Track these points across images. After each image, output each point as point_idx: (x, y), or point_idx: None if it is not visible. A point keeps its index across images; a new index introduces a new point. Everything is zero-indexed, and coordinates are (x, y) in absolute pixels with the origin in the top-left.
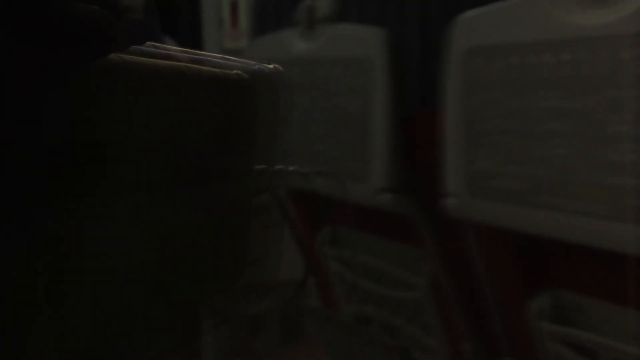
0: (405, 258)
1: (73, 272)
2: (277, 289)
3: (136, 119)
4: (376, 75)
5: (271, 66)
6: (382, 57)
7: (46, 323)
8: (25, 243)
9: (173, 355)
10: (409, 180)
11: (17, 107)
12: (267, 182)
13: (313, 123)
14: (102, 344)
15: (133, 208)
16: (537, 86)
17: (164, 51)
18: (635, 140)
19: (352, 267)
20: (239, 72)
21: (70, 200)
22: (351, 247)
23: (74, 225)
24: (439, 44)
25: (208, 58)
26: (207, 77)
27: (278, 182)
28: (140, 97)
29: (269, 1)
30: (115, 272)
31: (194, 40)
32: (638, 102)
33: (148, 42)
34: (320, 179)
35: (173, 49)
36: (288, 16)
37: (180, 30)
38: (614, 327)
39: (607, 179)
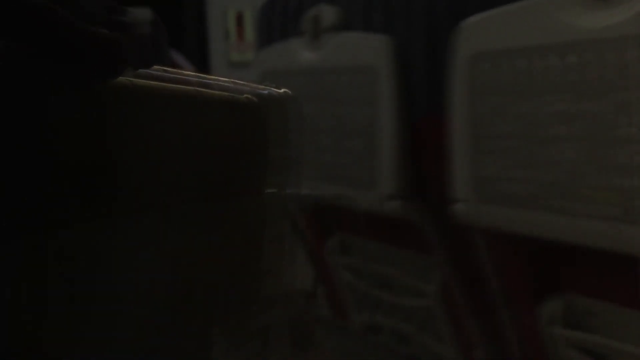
0: (415, 265)
1: (86, 292)
2: (287, 299)
3: (147, 141)
4: (382, 83)
5: (281, 90)
6: (388, 64)
7: (57, 344)
8: (37, 263)
9: None
10: (417, 187)
11: (25, 125)
12: (280, 205)
13: (320, 132)
14: None
15: (146, 229)
16: (544, 90)
17: (173, 75)
18: None
19: (362, 276)
20: (249, 96)
21: (83, 221)
22: (361, 256)
23: (87, 245)
24: (444, 50)
25: (217, 82)
26: (217, 101)
27: (291, 205)
28: (150, 120)
29: (274, 12)
30: (130, 292)
31: (200, 52)
32: None
33: (157, 66)
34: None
35: (182, 72)
36: (294, 26)
37: (187, 43)
38: (627, 331)
39: (616, 181)
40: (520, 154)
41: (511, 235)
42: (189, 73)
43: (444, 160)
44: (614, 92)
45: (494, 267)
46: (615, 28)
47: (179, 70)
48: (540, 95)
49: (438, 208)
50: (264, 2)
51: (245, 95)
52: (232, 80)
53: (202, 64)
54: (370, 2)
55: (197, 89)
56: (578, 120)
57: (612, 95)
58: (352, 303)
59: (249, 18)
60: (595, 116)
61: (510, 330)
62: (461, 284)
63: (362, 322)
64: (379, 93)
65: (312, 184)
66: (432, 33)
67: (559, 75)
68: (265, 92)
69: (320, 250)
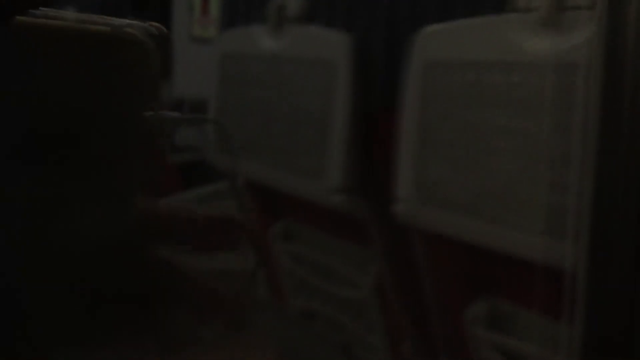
0: (354, 257)
1: None
2: (225, 278)
3: (31, 77)
4: (339, 77)
5: (154, 24)
6: (346, 60)
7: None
8: None
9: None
10: (364, 181)
11: None
12: (156, 127)
13: (274, 119)
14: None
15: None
16: (489, 103)
17: (52, 15)
18: (576, 163)
19: (303, 263)
20: (129, 30)
21: None
22: (303, 243)
23: None
24: (402, 49)
25: (93, 18)
26: (100, 35)
27: (164, 127)
28: (34, 56)
29: None
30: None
31: (162, 25)
32: (582, 127)
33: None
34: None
35: (60, 13)
36: (258, 10)
37: (149, 14)
38: (542, 337)
39: (546, 197)
40: (461, 162)
41: (447, 238)
42: (67, 13)
43: (394, 157)
44: (552, 113)
45: (428, 266)
46: (560, 54)
47: (56, 14)
48: (485, 108)
49: (382, 204)
50: None
51: (126, 30)
52: (102, 16)
53: None
54: None
55: (77, 24)
56: (517, 135)
57: (550, 115)
58: (291, 288)
59: None
60: (533, 134)
61: (439, 327)
62: (396, 279)
63: (299, 307)
64: (335, 86)
65: (264, 169)
66: (392, 32)
67: (503, 91)
68: (145, 25)
69: (264, 233)
